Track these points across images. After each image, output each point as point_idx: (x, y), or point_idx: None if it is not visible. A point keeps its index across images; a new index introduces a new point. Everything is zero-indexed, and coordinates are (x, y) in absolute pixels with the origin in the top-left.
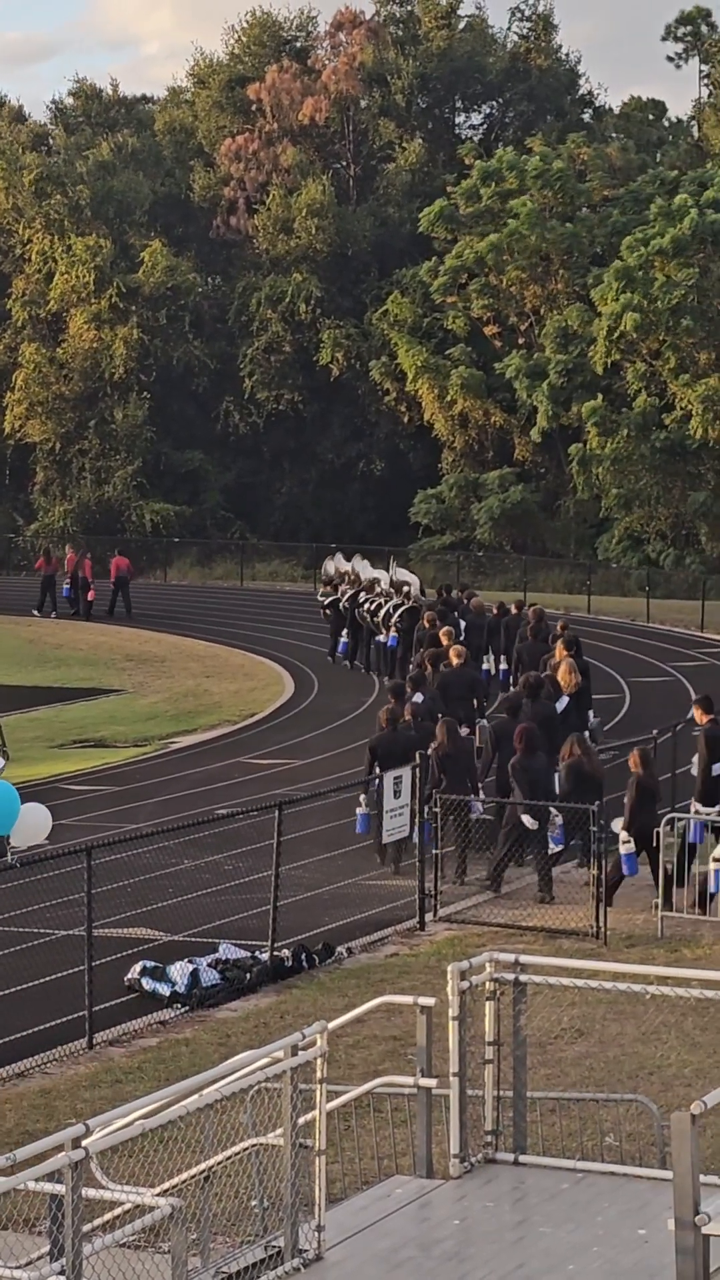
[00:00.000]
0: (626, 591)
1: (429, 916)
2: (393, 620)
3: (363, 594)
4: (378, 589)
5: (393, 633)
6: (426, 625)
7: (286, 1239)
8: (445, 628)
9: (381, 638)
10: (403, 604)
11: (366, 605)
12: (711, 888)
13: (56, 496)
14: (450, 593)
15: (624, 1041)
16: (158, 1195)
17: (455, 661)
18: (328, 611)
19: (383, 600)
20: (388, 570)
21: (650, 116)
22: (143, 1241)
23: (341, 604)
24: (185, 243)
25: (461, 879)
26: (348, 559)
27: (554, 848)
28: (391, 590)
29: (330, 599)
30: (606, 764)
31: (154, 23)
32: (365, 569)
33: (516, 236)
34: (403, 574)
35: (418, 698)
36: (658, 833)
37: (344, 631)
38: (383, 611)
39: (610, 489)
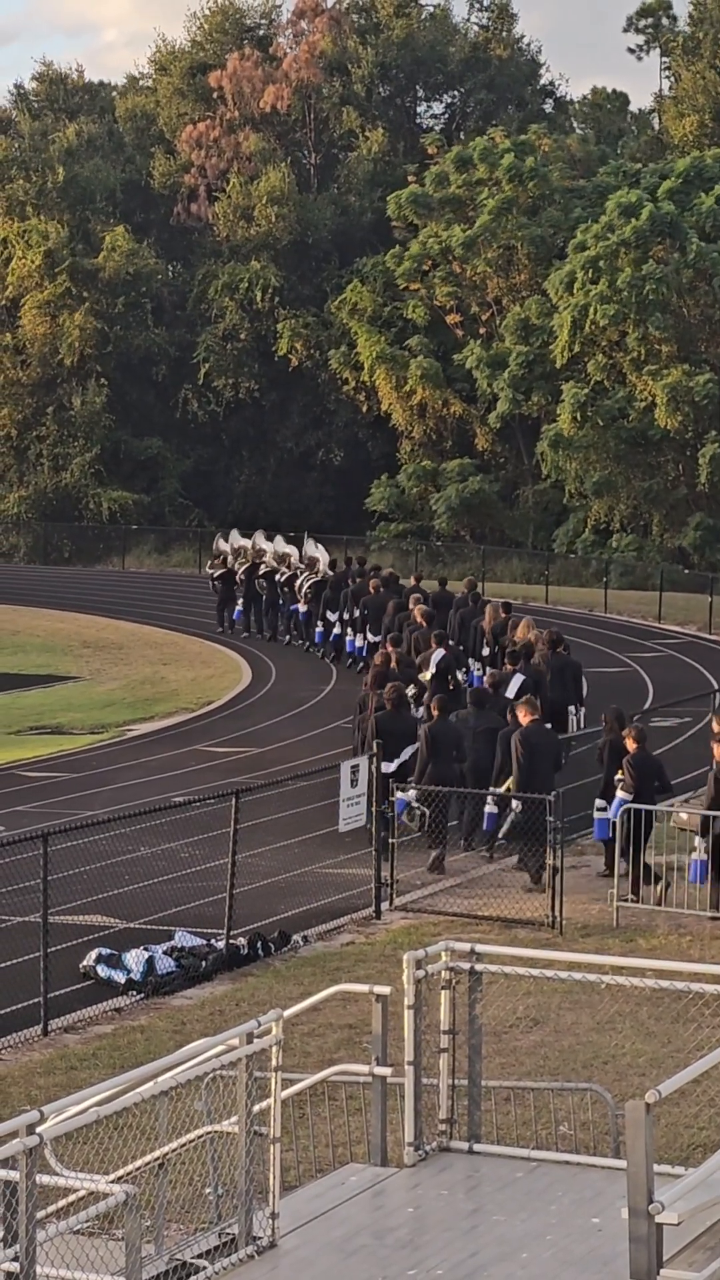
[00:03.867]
0: (584, 582)
1: (385, 905)
2: (303, 592)
3: (266, 567)
4: (290, 562)
5: (303, 604)
6: (372, 591)
7: (240, 1226)
8: (416, 594)
9: (300, 607)
10: (312, 578)
11: (280, 578)
12: (691, 877)
13: (14, 483)
14: (349, 566)
15: (579, 1031)
16: (112, 1182)
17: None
18: (218, 584)
19: (297, 573)
20: (300, 546)
21: (610, 107)
22: (97, 1228)
23: (238, 576)
24: (146, 229)
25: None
26: (246, 536)
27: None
28: (303, 564)
29: (220, 572)
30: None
31: (112, 9)
32: (278, 545)
33: (486, 231)
34: (313, 550)
35: (438, 654)
36: (614, 823)
37: (238, 601)
38: (297, 584)
39: (574, 476)
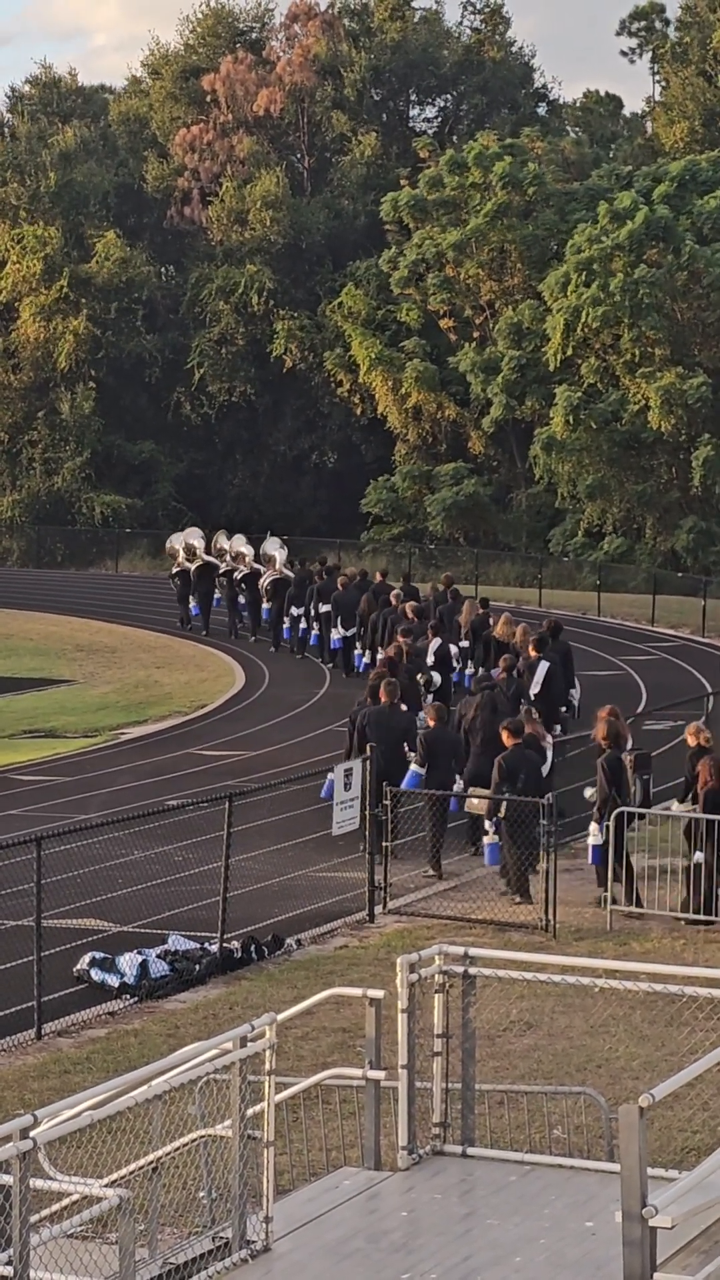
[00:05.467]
0: (577, 585)
1: (378, 909)
2: (264, 588)
3: (226, 565)
4: (245, 560)
5: (267, 602)
6: (341, 588)
7: (234, 1230)
8: (396, 591)
9: (265, 605)
10: (273, 575)
11: (237, 575)
12: (487, 860)
13: (6, 487)
14: (304, 564)
15: (572, 1034)
16: (106, 1186)
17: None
18: (177, 581)
19: (255, 571)
20: (262, 544)
21: (603, 111)
22: (90, 1232)
23: (191, 573)
24: (139, 233)
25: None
26: (207, 535)
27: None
28: (261, 562)
29: (178, 570)
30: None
31: (103, 14)
32: (235, 543)
33: (479, 234)
34: (272, 547)
35: (435, 643)
36: (607, 826)
37: (191, 598)
38: (260, 581)
39: (567, 480)
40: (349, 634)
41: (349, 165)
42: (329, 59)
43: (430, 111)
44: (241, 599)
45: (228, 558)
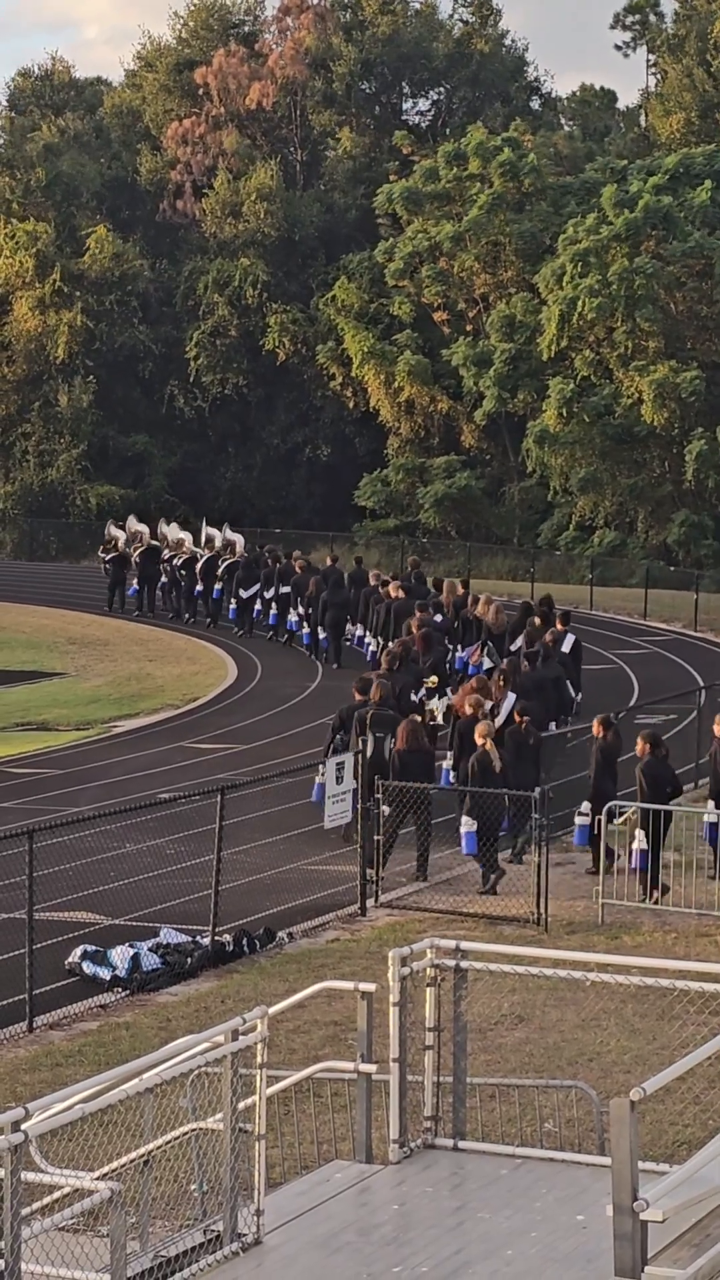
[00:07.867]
0: (570, 578)
1: (370, 902)
2: (218, 572)
3: (167, 551)
4: (185, 546)
5: (218, 584)
6: (299, 571)
7: (226, 1223)
8: (377, 572)
9: (199, 586)
10: (229, 558)
11: (177, 561)
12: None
13: None
14: (262, 549)
15: (564, 1028)
16: (97, 1179)
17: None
18: (108, 567)
19: (196, 556)
20: (210, 532)
21: (598, 104)
22: (82, 1225)
23: (133, 559)
24: (131, 226)
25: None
26: (142, 522)
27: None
28: (220, 548)
29: (112, 555)
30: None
31: (92, 5)
32: (174, 530)
33: (477, 226)
34: (230, 534)
35: (437, 617)
36: (598, 819)
37: (135, 581)
38: (219, 568)
39: (560, 473)
40: (303, 614)
41: (341, 158)
42: (321, 52)
43: (423, 105)
44: (183, 583)
45: (168, 542)
